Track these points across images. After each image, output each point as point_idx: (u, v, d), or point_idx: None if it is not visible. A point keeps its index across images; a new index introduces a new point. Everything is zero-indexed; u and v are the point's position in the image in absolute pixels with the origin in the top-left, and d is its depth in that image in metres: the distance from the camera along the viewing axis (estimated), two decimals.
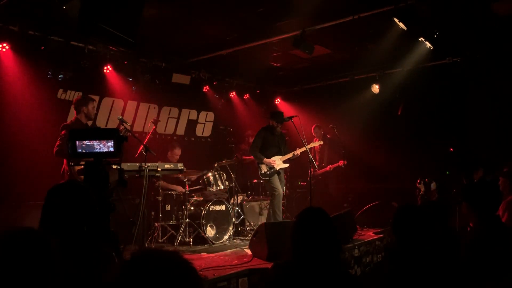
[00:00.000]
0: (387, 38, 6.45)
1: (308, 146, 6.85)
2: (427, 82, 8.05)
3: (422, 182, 5.96)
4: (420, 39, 6.60)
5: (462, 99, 7.93)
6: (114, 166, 3.11)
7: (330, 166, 8.35)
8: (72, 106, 5.64)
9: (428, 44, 6.66)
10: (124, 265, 1.16)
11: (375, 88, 8.61)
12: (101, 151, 3.09)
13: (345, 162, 8.05)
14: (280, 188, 6.83)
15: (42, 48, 6.30)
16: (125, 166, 5.08)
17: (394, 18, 5.73)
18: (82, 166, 3.19)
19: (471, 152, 7.55)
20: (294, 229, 2.39)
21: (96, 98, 6.71)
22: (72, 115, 5.96)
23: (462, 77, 7.78)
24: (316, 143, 7.52)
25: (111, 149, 3.09)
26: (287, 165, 7.02)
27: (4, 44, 6.01)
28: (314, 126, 8.48)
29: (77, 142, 3.12)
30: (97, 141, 3.10)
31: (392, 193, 7.81)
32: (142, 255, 1.17)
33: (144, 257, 1.16)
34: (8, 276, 1.39)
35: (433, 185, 5.91)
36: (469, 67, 7.58)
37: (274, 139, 6.97)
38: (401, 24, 5.81)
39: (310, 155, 6.63)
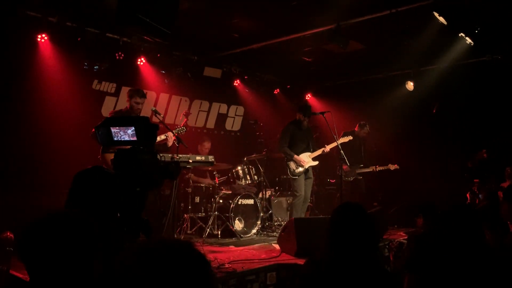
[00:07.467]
0: (425, 34, 6.24)
1: (340, 141, 6.62)
2: (465, 80, 7.74)
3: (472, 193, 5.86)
4: (460, 35, 6.37)
5: (503, 99, 7.60)
6: (159, 157, 2.92)
7: (378, 167, 7.72)
8: None
9: (468, 40, 6.42)
10: (135, 252, 1.14)
11: (410, 85, 8.38)
12: (122, 139, 2.88)
13: (397, 166, 7.66)
14: (303, 190, 6.59)
15: (78, 39, 6.44)
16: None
17: (434, 12, 5.54)
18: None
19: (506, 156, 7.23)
20: (331, 224, 2.32)
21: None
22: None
23: (503, 76, 7.45)
24: (345, 139, 7.16)
25: (133, 138, 2.84)
26: (316, 162, 6.80)
27: (43, 35, 6.16)
28: (358, 124, 8.02)
29: (101, 129, 2.96)
30: (117, 128, 2.87)
31: (423, 194, 7.60)
32: (155, 244, 1.16)
33: (157, 246, 1.14)
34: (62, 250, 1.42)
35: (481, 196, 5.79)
36: (511, 65, 7.27)
37: (302, 134, 6.77)
38: (441, 18, 5.62)
39: (342, 151, 6.49)
